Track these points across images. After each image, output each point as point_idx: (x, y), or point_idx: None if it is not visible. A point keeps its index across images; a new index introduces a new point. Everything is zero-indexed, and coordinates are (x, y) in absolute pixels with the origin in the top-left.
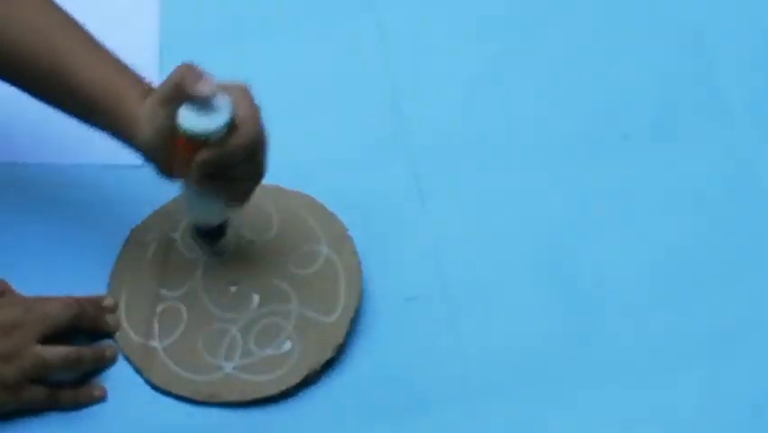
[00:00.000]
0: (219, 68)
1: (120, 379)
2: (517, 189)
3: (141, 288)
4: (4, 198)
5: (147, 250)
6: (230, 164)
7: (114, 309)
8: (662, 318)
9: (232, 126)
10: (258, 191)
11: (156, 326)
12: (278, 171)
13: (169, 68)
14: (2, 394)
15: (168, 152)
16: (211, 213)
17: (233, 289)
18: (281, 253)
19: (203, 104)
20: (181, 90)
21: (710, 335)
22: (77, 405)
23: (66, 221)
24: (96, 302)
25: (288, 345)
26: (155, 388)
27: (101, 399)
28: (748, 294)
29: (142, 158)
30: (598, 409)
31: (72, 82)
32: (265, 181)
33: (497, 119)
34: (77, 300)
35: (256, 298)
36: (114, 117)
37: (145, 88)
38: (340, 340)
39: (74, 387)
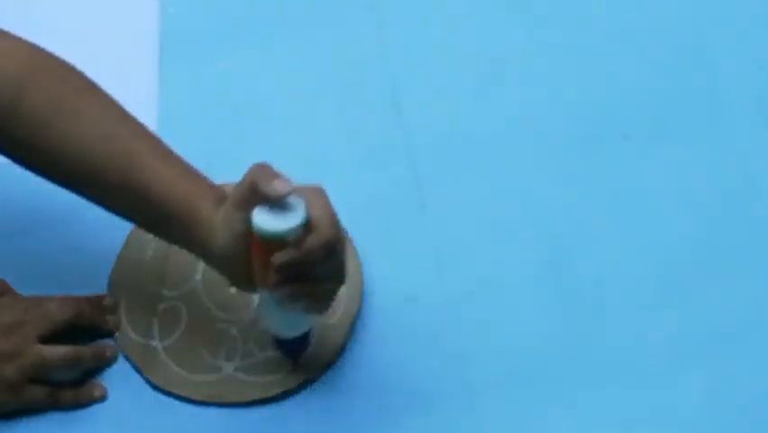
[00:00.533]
0: (219, 68)
1: (120, 379)
2: (517, 189)
3: (141, 287)
4: (3, 197)
5: (147, 250)
6: (308, 266)
7: (114, 309)
8: (662, 318)
9: (308, 227)
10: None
11: (156, 325)
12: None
13: (170, 68)
14: (2, 394)
15: (245, 258)
16: (291, 323)
17: (233, 289)
18: None
19: (278, 205)
20: (256, 191)
21: (710, 334)
22: (78, 405)
23: (66, 221)
24: (95, 302)
25: None
26: (155, 388)
27: (101, 398)
28: (748, 293)
29: (219, 269)
30: (599, 408)
31: (145, 194)
32: None
33: (497, 119)
34: (77, 300)
35: (256, 298)
36: (188, 229)
37: (218, 195)
38: (340, 341)
39: (74, 387)
